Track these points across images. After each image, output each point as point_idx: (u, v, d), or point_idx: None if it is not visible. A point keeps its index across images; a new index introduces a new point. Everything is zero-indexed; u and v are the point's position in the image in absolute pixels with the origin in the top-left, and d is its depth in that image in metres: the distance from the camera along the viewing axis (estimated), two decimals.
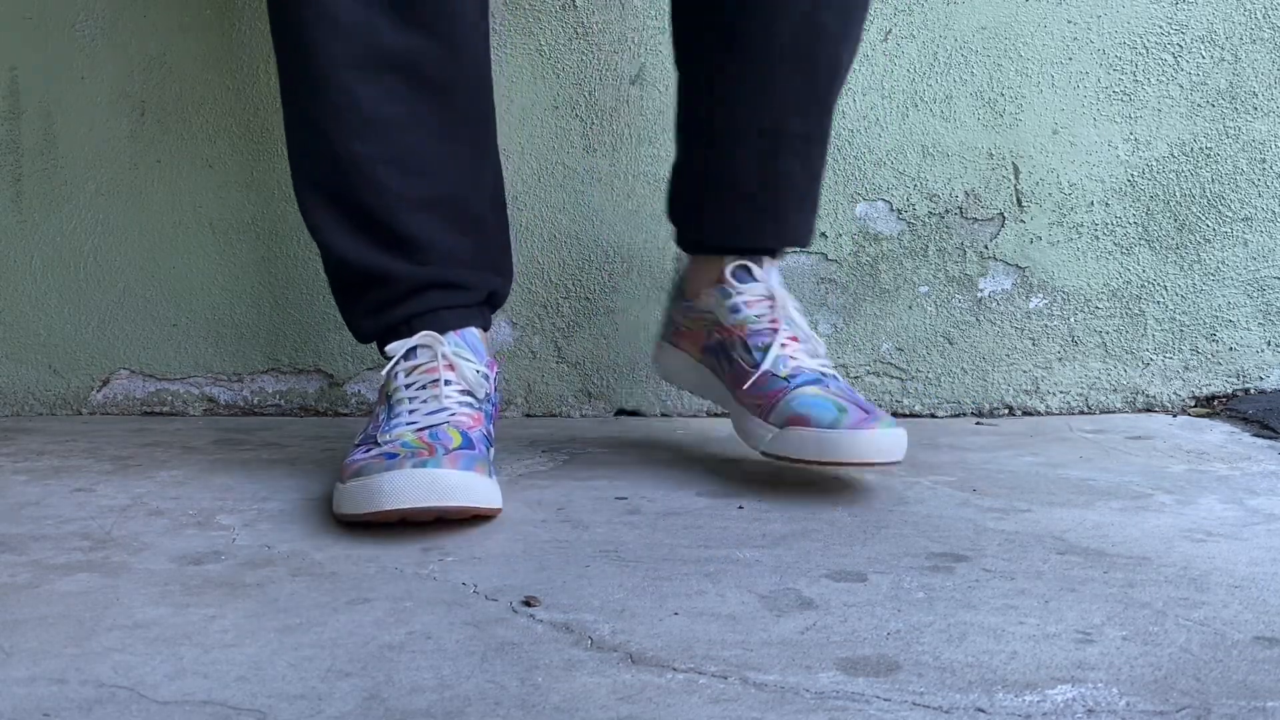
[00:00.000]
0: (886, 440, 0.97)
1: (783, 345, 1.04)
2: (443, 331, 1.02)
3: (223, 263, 1.45)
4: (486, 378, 1.02)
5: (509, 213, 1.14)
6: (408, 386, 1.00)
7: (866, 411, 0.98)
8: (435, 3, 0.98)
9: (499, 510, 0.93)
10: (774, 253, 1.11)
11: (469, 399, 0.99)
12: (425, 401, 0.98)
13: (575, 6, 1.37)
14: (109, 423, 1.40)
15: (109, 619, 0.72)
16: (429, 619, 0.71)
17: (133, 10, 1.43)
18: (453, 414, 0.97)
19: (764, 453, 1.02)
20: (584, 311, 1.41)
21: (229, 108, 1.43)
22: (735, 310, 1.06)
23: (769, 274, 1.09)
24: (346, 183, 1.01)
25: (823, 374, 1.04)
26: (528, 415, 1.41)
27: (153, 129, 1.44)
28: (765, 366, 1.03)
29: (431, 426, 0.95)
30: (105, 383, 1.46)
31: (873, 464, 0.98)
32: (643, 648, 0.66)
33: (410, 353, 1.01)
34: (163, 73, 1.43)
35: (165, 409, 1.46)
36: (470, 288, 1.05)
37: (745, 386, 1.04)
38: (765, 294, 1.07)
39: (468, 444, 0.93)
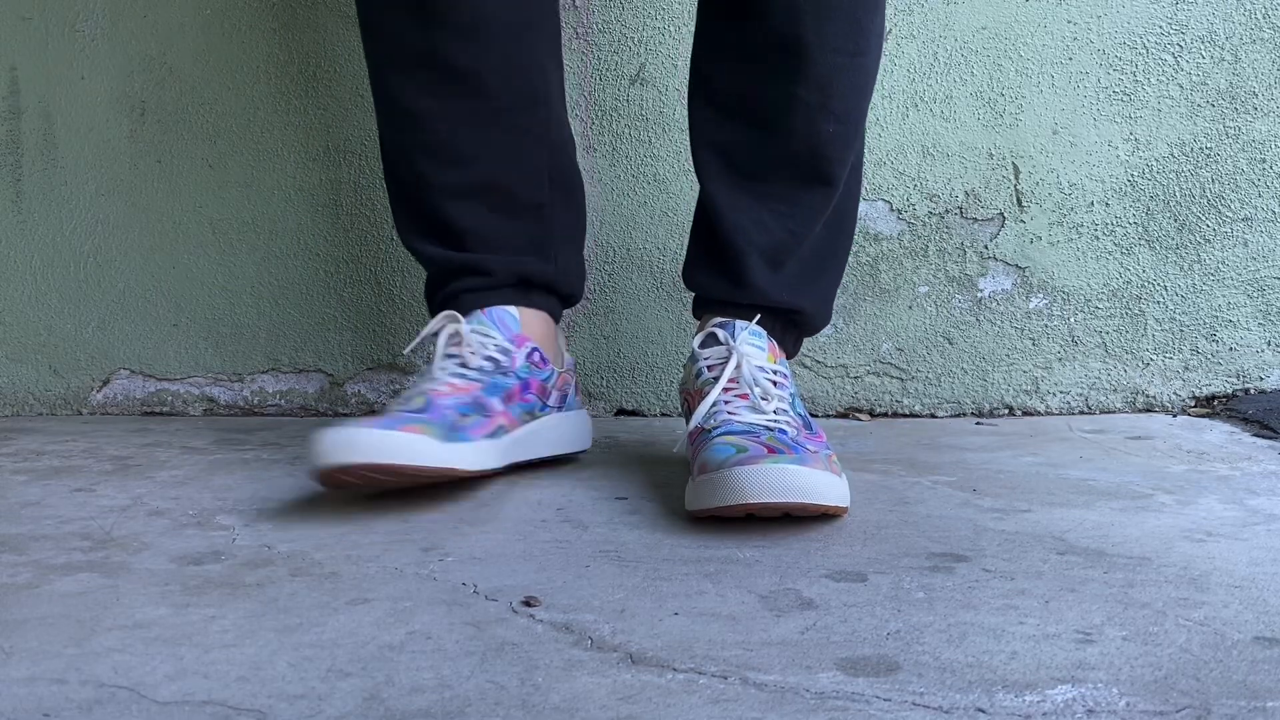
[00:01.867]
0: (772, 475, 0.85)
1: (723, 401, 0.98)
2: (466, 311, 1.07)
3: (223, 263, 1.45)
4: (506, 352, 1.06)
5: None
6: (427, 363, 1.09)
7: (777, 450, 0.89)
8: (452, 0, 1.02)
9: (429, 468, 0.91)
10: (746, 314, 1.05)
11: (462, 370, 1.03)
12: (425, 374, 1.04)
13: (575, 6, 1.37)
14: (109, 423, 1.40)
15: (109, 619, 0.72)
16: (429, 619, 0.71)
17: (133, 10, 1.43)
18: (436, 383, 1.01)
19: (690, 514, 0.92)
20: (584, 311, 1.41)
21: (229, 108, 1.43)
22: (699, 375, 1.03)
23: (736, 333, 1.03)
24: (399, 174, 1.10)
25: (756, 426, 0.95)
26: None
27: (153, 129, 1.44)
28: (694, 423, 0.98)
29: (415, 394, 1.00)
30: (105, 383, 1.46)
31: (763, 505, 0.85)
32: (643, 648, 0.66)
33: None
34: (163, 73, 1.43)
35: (165, 409, 1.46)
36: (496, 272, 1.09)
37: (683, 447, 1.01)
38: (725, 355, 1.02)
39: (423, 409, 0.96)
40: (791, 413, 0.99)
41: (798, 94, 1.01)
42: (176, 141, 1.44)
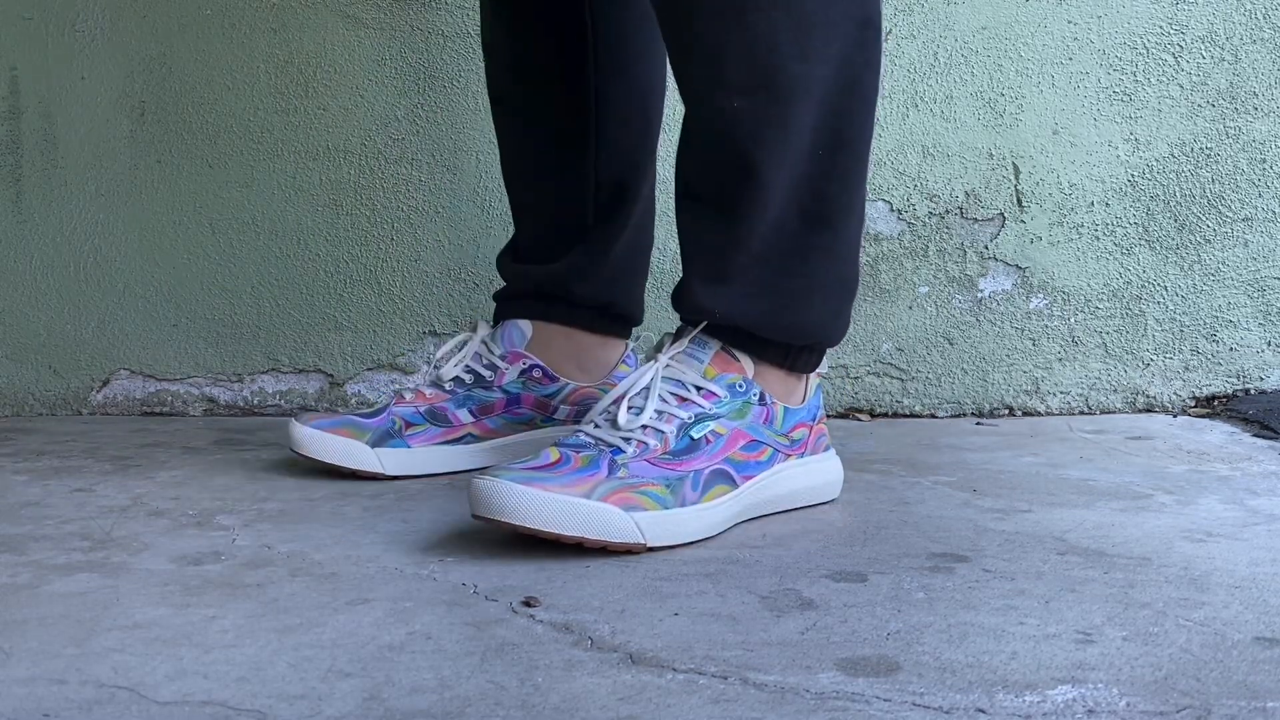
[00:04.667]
0: (487, 490, 0.82)
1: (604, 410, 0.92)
2: (496, 322, 1.15)
3: (223, 263, 1.45)
4: (493, 368, 1.12)
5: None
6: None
7: (579, 467, 0.84)
8: (504, 36, 1.13)
9: (345, 467, 1.06)
10: (699, 327, 0.96)
11: (439, 381, 1.12)
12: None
13: None
14: (109, 423, 1.40)
15: (109, 619, 0.72)
16: (429, 619, 0.71)
17: (133, 10, 1.43)
18: (407, 390, 1.12)
19: None
20: None
21: (229, 108, 1.43)
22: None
23: (668, 345, 0.95)
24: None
25: (596, 438, 0.89)
26: None
27: (153, 129, 1.44)
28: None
29: (384, 402, 1.12)
30: (105, 383, 1.46)
31: (481, 518, 0.84)
32: (643, 648, 0.66)
33: None
34: (163, 73, 1.43)
35: (165, 409, 1.46)
36: (530, 282, 1.15)
37: None
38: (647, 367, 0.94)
39: (372, 414, 1.09)
40: (669, 430, 0.89)
41: (688, 71, 0.92)
42: (176, 141, 1.44)
